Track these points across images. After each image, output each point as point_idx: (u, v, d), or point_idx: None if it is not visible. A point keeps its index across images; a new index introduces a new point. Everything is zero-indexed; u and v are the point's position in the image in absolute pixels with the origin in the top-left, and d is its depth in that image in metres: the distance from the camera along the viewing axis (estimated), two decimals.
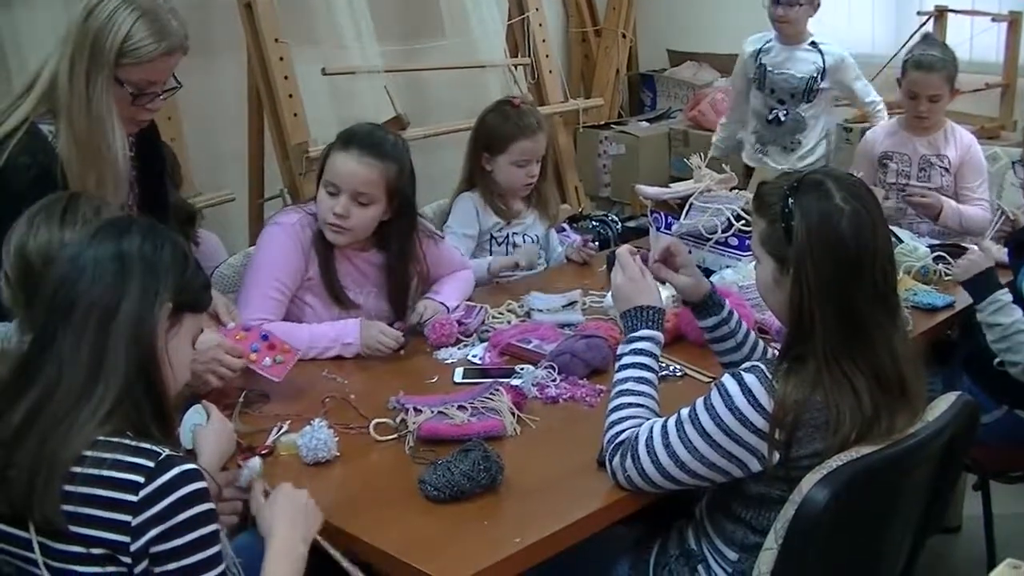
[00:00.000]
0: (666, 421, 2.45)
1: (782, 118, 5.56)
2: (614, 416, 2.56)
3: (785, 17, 5.40)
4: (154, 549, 1.93)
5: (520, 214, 4.37)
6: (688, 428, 2.39)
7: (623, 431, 2.52)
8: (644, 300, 2.71)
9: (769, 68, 5.51)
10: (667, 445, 2.41)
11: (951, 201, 4.66)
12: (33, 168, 2.89)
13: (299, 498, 2.27)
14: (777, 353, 2.55)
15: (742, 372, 2.37)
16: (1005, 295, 3.52)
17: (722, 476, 2.42)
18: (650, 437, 2.44)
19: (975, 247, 3.72)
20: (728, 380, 2.38)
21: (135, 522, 1.92)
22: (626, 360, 2.64)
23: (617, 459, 2.49)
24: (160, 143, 3.39)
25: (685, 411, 2.43)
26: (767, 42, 5.56)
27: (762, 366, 2.37)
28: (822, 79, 5.49)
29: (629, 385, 2.60)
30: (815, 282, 2.33)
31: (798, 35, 5.50)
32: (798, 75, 5.48)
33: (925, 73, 4.69)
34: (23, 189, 2.79)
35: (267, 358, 3.09)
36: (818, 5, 5.46)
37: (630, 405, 2.57)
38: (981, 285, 3.57)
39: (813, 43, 5.52)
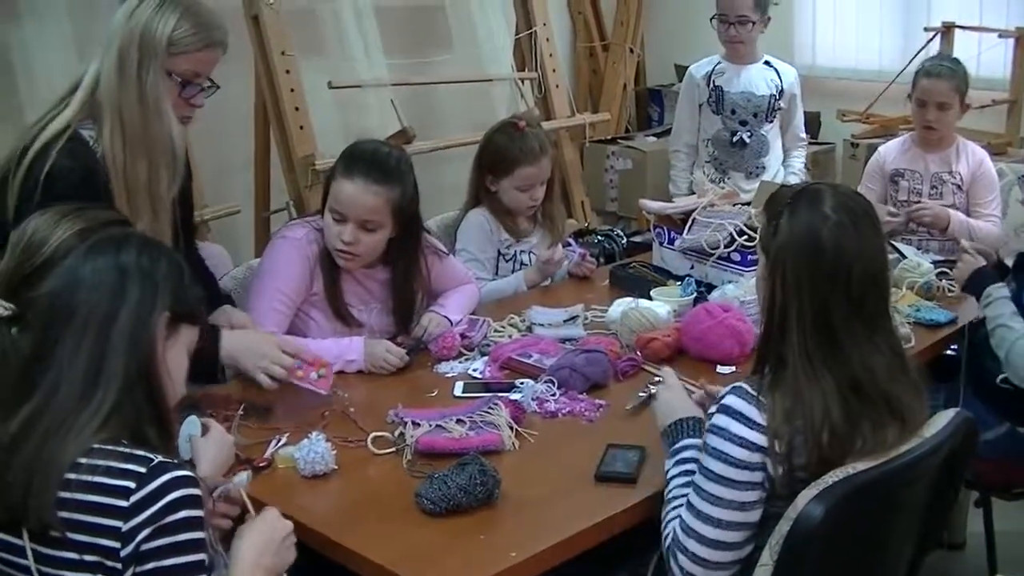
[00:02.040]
0: (688, 497, 2.43)
1: (746, 140, 5.42)
2: (665, 529, 2.52)
3: (738, 37, 5.30)
4: (143, 548, 1.93)
5: (528, 233, 4.37)
6: (705, 483, 2.37)
7: (668, 534, 2.50)
8: (685, 413, 2.70)
9: (726, 89, 5.39)
10: (698, 514, 2.38)
11: (958, 214, 4.66)
12: (77, 171, 2.93)
13: (277, 530, 2.21)
14: None
15: (723, 401, 2.37)
16: (997, 291, 3.60)
17: (755, 510, 2.40)
18: (682, 520, 2.41)
19: (964, 250, 3.92)
20: (716, 416, 2.37)
21: (125, 527, 1.92)
22: (673, 471, 2.58)
23: (673, 562, 2.45)
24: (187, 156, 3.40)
25: (696, 475, 2.41)
26: (717, 63, 5.46)
27: (743, 385, 2.37)
28: (780, 97, 5.41)
29: (675, 492, 2.54)
30: (791, 281, 2.36)
31: (751, 54, 5.41)
32: (759, 93, 5.39)
33: (934, 80, 4.70)
34: (67, 193, 2.81)
35: (312, 372, 3.13)
36: (768, 20, 5.35)
37: (675, 508, 2.53)
38: (976, 285, 3.72)
39: (767, 62, 5.45)
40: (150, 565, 1.93)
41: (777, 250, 2.41)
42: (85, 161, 2.95)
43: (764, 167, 5.45)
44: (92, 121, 3.00)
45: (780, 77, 5.42)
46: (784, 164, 5.56)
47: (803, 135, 5.62)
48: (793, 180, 5.45)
